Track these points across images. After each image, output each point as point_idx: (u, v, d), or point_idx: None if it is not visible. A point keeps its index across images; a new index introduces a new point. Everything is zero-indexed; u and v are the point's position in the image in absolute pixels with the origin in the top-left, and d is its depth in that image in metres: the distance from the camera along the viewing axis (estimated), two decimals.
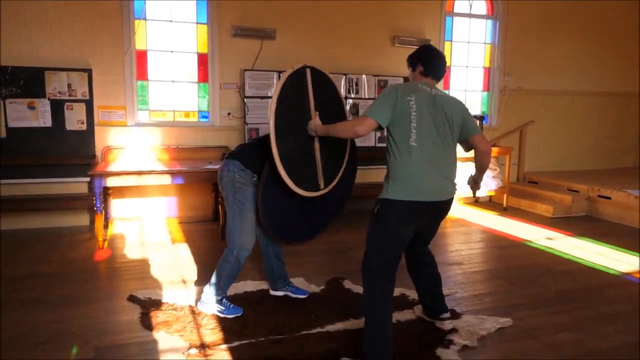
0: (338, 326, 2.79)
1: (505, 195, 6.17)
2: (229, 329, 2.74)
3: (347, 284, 3.45)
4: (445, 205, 2.53)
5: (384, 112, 2.41)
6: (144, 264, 3.89)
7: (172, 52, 5.31)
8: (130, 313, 2.96)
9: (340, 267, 3.82)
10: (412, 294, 3.23)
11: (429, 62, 2.61)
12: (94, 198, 4.21)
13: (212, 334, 2.69)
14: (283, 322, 2.83)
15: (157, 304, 3.07)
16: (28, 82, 4.72)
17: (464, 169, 5.97)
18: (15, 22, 4.70)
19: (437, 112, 2.44)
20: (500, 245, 4.67)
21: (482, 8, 6.58)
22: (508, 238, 4.90)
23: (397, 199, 2.38)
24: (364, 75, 5.80)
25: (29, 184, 4.80)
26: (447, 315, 2.85)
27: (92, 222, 4.78)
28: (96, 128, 4.97)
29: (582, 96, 7.16)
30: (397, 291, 3.25)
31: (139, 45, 5.16)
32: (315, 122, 2.80)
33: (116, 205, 5.14)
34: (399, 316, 2.93)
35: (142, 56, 5.20)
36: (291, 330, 2.72)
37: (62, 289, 3.33)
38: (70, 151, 4.88)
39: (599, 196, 5.84)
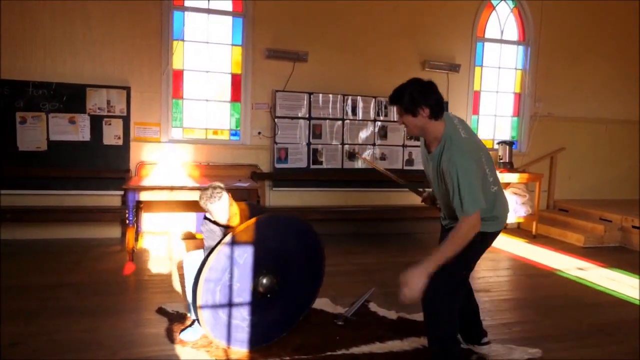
0: (363, 349, 2.77)
1: (534, 223, 6.06)
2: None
3: (373, 306, 3.43)
4: None
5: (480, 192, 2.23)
6: (171, 278, 3.96)
7: (207, 72, 5.48)
8: (157, 326, 3.01)
9: (366, 289, 3.79)
10: None
11: (437, 100, 2.24)
12: (126, 211, 4.33)
13: (237, 351, 2.71)
14: (308, 342, 2.83)
15: (184, 317, 3.11)
16: (70, 98, 4.93)
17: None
18: (62, 41, 4.94)
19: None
20: (529, 273, 4.57)
21: (513, 34, 6.58)
22: (537, 267, 4.79)
23: (490, 231, 2.42)
24: None
25: (65, 195, 4.97)
26: (487, 339, 2.82)
27: (123, 234, 4.91)
28: (131, 143, 5.14)
29: (615, 124, 7.02)
30: (421, 316, 3.22)
31: (176, 64, 5.35)
32: (416, 273, 2.14)
33: (147, 219, 5.26)
34: (424, 341, 2.89)
35: (178, 75, 5.38)
36: (316, 351, 2.72)
37: (92, 300, 3.41)
38: (105, 165, 5.05)
39: (633, 227, 5.67)
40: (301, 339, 2.86)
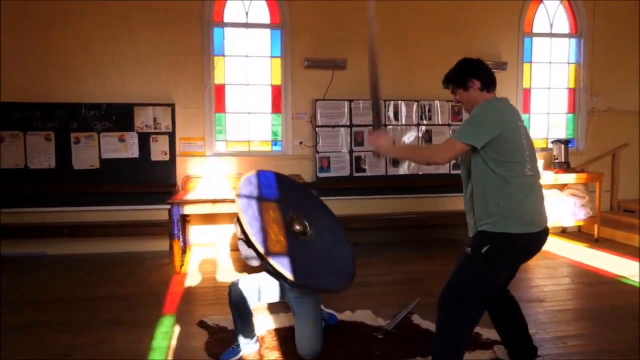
0: None
1: (596, 226, 5.66)
2: None
3: (416, 318, 3.30)
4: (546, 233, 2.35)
5: (487, 133, 2.17)
6: (216, 290, 4.01)
7: (247, 85, 5.56)
8: (198, 339, 3.04)
9: (409, 300, 3.67)
10: (485, 333, 3.02)
11: (486, 73, 2.36)
12: (172, 224, 4.45)
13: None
14: (346, 356, 2.76)
15: (224, 331, 3.13)
16: (119, 117, 5.16)
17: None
18: (110, 62, 5.19)
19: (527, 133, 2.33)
20: (589, 281, 4.25)
21: (564, 27, 6.22)
22: (599, 273, 4.45)
23: (516, 233, 2.17)
24: (437, 101, 5.68)
25: (117, 210, 5.19)
26: (540, 359, 2.61)
27: (172, 247, 5.03)
28: (177, 158, 5.29)
29: None
30: None
31: (218, 79, 5.47)
32: (387, 138, 2.40)
33: (194, 232, 5.38)
34: (469, 357, 2.74)
35: (220, 90, 5.50)
36: None
37: (139, 311, 3.51)
38: (153, 180, 5.22)
39: None
40: (339, 352, 2.80)
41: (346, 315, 3.35)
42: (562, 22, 6.22)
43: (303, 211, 2.92)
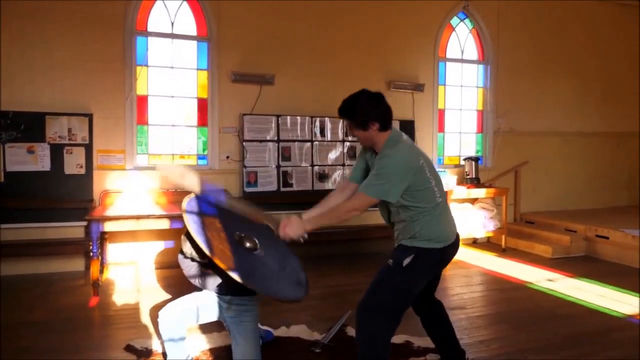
0: None
1: (503, 236, 6.16)
2: None
3: (350, 330, 3.37)
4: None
5: (399, 189, 2.29)
6: (139, 312, 3.79)
7: (172, 97, 5.38)
8: None
9: (341, 312, 3.73)
10: (417, 342, 3.16)
11: (386, 113, 2.38)
12: (90, 243, 4.15)
13: None
14: None
15: (155, 354, 2.97)
16: (29, 126, 4.74)
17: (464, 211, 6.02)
18: (18, 66, 4.76)
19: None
20: (501, 287, 4.62)
21: (473, 53, 6.79)
22: (509, 280, 4.85)
23: (433, 248, 2.38)
24: None
25: (24, 228, 4.73)
26: None
27: (87, 267, 4.70)
28: (95, 172, 4.96)
29: (573, 136, 7.29)
30: (400, 339, 3.19)
31: (140, 90, 5.23)
32: (297, 222, 2.38)
33: (112, 250, 5.06)
34: None
35: (142, 101, 5.26)
36: None
37: (55, 339, 3.22)
38: (67, 195, 4.85)
39: (597, 236, 5.85)
40: None
41: (282, 331, 3.34)
42: (472, 49, 6.78)
43: (248, 230, 2.87)
